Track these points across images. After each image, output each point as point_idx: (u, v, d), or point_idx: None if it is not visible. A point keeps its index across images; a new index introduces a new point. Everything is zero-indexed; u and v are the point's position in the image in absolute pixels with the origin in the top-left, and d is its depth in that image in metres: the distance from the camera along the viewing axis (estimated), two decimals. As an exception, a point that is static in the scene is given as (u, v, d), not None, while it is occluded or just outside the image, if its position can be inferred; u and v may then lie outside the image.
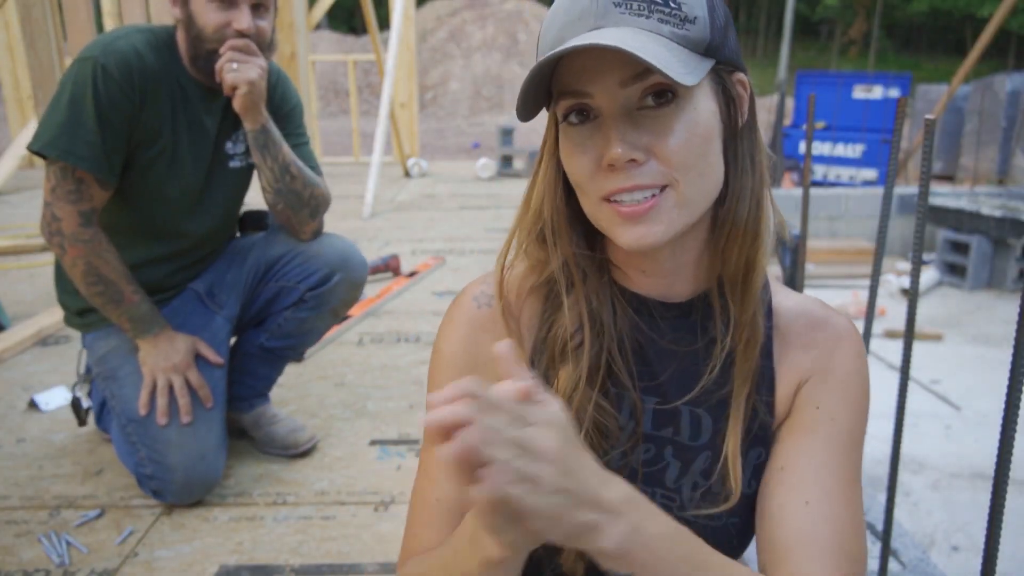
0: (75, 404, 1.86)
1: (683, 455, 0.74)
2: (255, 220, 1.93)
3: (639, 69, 0.61)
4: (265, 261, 1.83)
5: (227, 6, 1.54)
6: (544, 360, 0.73)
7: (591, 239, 0.73)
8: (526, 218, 0.74)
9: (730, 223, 0.69)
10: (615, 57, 0.60)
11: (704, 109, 0.64)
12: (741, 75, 0.68)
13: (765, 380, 0.73)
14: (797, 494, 0.69)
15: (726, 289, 0.71)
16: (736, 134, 0.68)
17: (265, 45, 1.62)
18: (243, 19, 1.54)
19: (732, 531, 0.74)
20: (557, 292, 0.73)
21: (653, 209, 0.64)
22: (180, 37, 1.61)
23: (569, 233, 0.72)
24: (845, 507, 0.69)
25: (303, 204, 1.76)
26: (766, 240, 0.70)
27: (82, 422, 1.89)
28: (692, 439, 0.74)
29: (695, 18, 0.62)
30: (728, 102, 0.67)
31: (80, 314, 1.72)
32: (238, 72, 1.57)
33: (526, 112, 0.66)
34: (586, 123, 0.65)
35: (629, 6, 0.61)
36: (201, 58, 1.58)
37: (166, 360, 1.62)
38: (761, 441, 0.74)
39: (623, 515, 0.54)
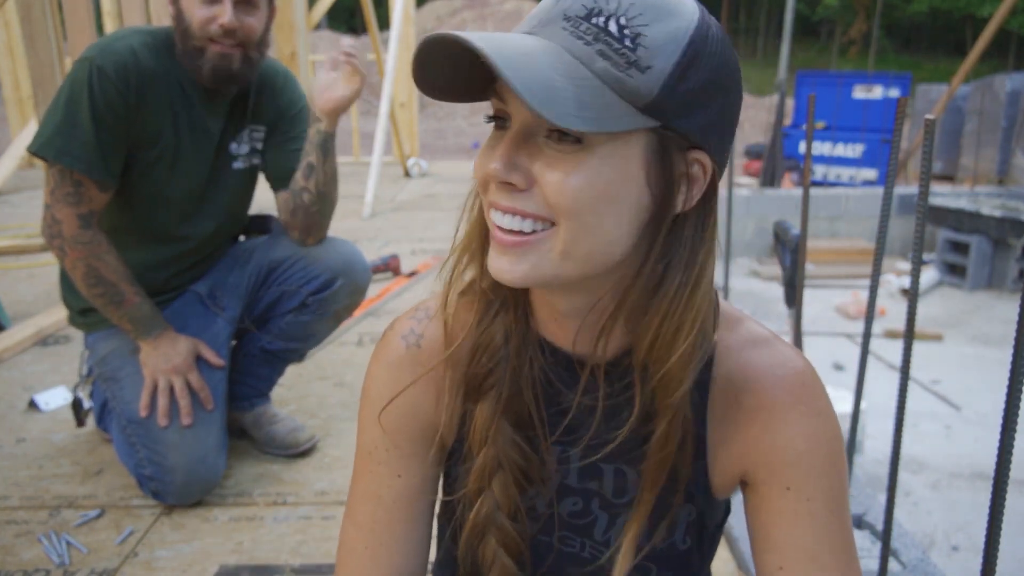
0: (75, 405, 1.86)
1: (609, 509, 0.72)
2: (259, 223, 1.93)
3: None
4: (268, 264, 1.83)
5: (212, 1, 1.53)
6: (463, 393, 0.71)
7: None
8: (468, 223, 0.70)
9: (641, 309, 0.62)
10: None
11: (616, 167, 0.56)
12: (702, 155, 0.59)
13: (698, 444, 0.68)
14: None
15: (650, 373, 0.63)
16: (677, 216, 0.60)
17: (253, 42, 1.60)
18: (225, 14, 1.53)
19: None
20: (487, 322, 0.70)
21: (526, 246, 0.58)
22: (176, 36, 1.61)
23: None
24: None
25: (332, 207, 1.80)
26: (692, 342, 0.62)
27: (80, 423, 1.89)
28: (616, 496, 0.71)
29: (647, 68, 0.54)
30: (667, 178, 0.58)
31: (83, 313, 1.72)
32: (350, 80, 1.65)
33: (427, 86, 0.59)
34: (500, 129, 0.61)
35: (577, 25, 0.55)
36: (187, 54, 1.57)
37: (167, 362, 1.62)
38: (691, 499, 0.70)
39: None
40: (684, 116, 0.56)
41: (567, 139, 0.56)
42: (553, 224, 0.58)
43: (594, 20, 0.55)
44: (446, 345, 0.71)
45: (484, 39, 0.53)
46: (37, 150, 1.52)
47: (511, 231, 0.59)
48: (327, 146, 1.72)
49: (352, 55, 1.66)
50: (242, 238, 1.94)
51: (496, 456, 0.69)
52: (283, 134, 1.78)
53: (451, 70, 0.58)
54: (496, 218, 0.60)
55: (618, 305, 0.63)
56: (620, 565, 0.67)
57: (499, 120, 0.61)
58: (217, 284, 1.82)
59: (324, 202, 1.76)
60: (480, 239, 0.67)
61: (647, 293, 0.61)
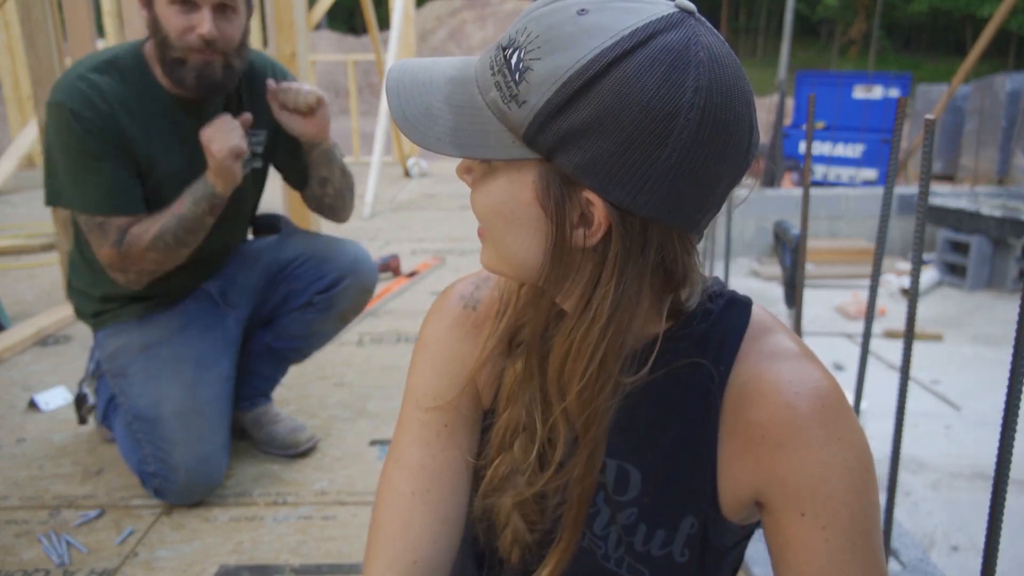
0: (79, 401, 1.86)
1: (612, 504, 0.72)
2: (268, 223, 1.93)
3: None
4: (277, 264, 1.84)
5: (188, 8, 1.49)
6: (501, 351, 0.74)
7: None
8: None
9: (542, 336, 0.67)
10: None
11: (510, 191, 0.60)
12: (591, 195, 0.57)
13: (706, 455, 0.67)
14: None
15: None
16: (585, 252, 0.60)
17: (232, 49, 1.55)
18: (204, 24, 1.49)
19: None
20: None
21: (482, 238, 0.66)
22: (149, 45, 1.57)
23: None
24: None
25: (353, 190, 1.86)
26: (590, 380, 0.62)
27: (82, 420, 1.89)
28: (616, 492, 0.72)
29: (523, 102, 0.56)
30: (558, 209, 0.58)
31: (92, 313, 1.72)
32: (316, 113, 1.69)
33: None
34: None
35: (496, 54, 0.58)
36: (168, 65, 1.54)
37: (222, 149, 1.54)
38: (694, 510, 0.69)
39: None
40: (560, 152, 0.56)
41: (483, 163, 0.62)
42: None
43: (506, 51, 0.57)
44: (498, 309, 0.74)
45: (404, 68, 0.62)
46: (66, 206, 1.56)
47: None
48: (332, 156, 1.77)
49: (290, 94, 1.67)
50: (250, 236, 1.94)
51: (519, 416, 0.70)
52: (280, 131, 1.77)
53: None
54: None
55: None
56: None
57: None
58: (228, 283, 1.82)
59: (345, 194, 1.83)
60: None
61: (547, 319, 0.66)
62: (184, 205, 1.57)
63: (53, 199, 1.57)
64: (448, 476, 0.75)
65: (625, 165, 0.55)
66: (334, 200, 1.82)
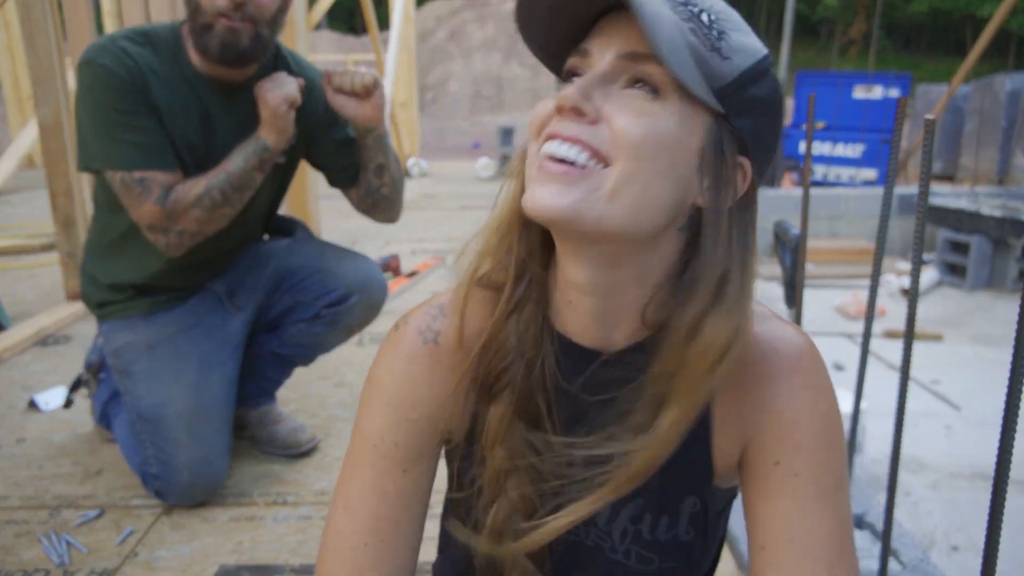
0: (76, 383, 1.88)
1: (618, 500, 0.70)
2: (283, 226, 1.91)
3: (643, 50, 0.57)
4: (285, 270, 1.81)
5: None
6: (476, 392, 0.70)
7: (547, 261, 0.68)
8: (496, 213, 0.70)
9: (666, 302, 0.63)
10: (630, 27, 0.58)
11: (682, 128, 0.59)
12: (746, 162, 0.62)
13: (704, 431, 0.68)
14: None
15: (680, 367, 0.62)
16: (725, 208, 0.61)
17: (264, 19, 1.51)
18: None
19: None
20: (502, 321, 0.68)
21: (577, 176, 0.57)
22: (186, 27, 1.55)
23: (527, 233, 0.67)
24: (834, 570, 0.64)
25: (404, 184, 1.85)
26: (724, 344, 0.60)
27: (68, 403, 1.90)
28: None
29: (727, 58, 0.59)
30: (714, 167, 0.60)
31: (97, 303, 1.70)
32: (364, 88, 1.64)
33: (528, 36, 0.63)
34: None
35: (676, 6, 0.58)
36: (196, 32, 1.50)
37: (280, 95, 1.54)
38: (695, 490, 0.70)
39: None
40: (744, 116, 0.61)
41: (646, 88, 0.59)
42: (607, 166, 0.58)
43: (689, 6, 0.59)
44: (462, 341, 0.69)
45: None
46: (100, 166, 1.49)
47: (564, 161, 0.58)
48: (385, 142, 1.74)
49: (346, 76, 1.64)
50: (265, 236, 1.91)
51: (510, 457, 0.68)
52: (324, 130, 1.73)
53: (548, 25, 0.62)
54: (552, 148, 0.59)
55: (637, 293, 0.64)
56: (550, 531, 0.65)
57: (575, 78, 0.63)
58: (236, 284, 1.79)
59: (399, 185, 1.81)
60: (513, 221, 0.68)
61: (671, 284, 0.64)
62: (233, 161, 1.54)
63: (87, 162, 1.51)
64: (405, 523, 0.72)
65: (772, 139, 0.63)
66: (391, 191, 1.77)
